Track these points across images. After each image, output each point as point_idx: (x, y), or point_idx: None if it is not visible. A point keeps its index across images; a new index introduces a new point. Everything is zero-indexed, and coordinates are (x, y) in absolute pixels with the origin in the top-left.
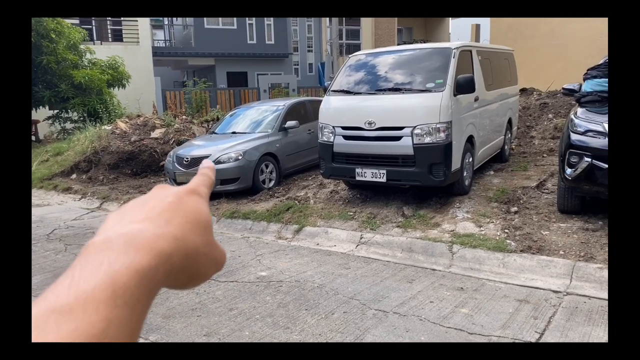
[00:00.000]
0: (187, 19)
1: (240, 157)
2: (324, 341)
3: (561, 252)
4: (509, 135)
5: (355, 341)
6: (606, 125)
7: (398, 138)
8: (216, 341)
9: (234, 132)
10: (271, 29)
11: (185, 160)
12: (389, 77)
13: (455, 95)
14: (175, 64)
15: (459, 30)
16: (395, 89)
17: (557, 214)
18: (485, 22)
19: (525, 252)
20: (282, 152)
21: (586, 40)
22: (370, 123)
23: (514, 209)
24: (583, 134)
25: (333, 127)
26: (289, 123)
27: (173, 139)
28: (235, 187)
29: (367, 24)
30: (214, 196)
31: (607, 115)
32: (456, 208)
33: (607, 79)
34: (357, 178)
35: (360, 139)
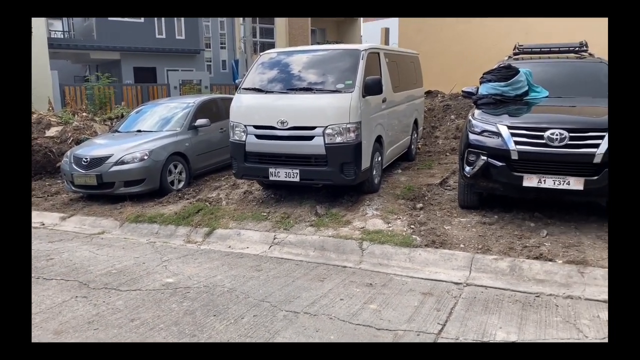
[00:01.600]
0: None
1: (146, 157)
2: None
3: (462, 246)
4: (416, 135)
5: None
6: (499, 126)
7: (310, 138)
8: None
9: (139, 131)
10: (181, 23)
11: (84, 161)
12: (300, 76)
13: (364, 96)
14: (76, 58)
15: (371, 33)
16: (307, 89)
17: (458, 209)
18: (394, 26)
19: (429, 247)
20: (192, 152)
21: (486, 45)
22: (282, 122)
23: (420, 205)
24: (479, 134)
25: (245, 125)
26: (200, 121)
27: (71, 138)
28: (141, 189)
29: (281, 23)
30: (118, 199)
31: (501, 116)
32: (366, 206)
33: (500, 83)
34: (271, 178)
35: (273, 138)
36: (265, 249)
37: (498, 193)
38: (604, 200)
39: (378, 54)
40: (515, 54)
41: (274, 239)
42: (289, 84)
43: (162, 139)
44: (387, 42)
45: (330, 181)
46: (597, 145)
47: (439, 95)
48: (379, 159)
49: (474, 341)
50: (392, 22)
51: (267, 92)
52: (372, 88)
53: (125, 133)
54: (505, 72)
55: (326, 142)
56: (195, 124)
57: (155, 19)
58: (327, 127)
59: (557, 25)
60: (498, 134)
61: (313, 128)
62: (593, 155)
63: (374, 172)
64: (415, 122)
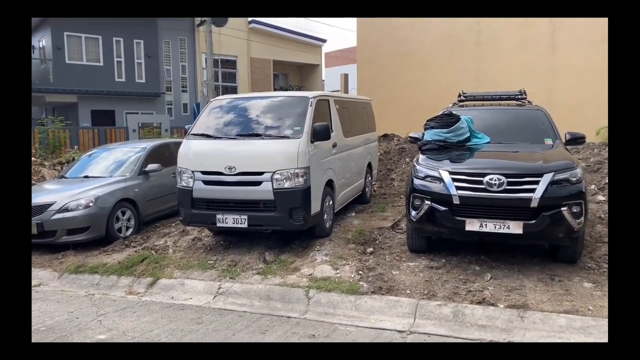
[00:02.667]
0: (45, 53)
1: (91, 204)
2: None
3: (408, 291)
4: (370, 178)
5: None
6: (441, 172)
7: (258, 183)
8: None
9: (86, 176)
10: (142, 67)
11: None
12: (250, 122)
13: (312, 141)
14: (32, 101)
15: (332, 78)
16: (256, 135)
17: (408, 253)
18: (352, 72)
19: (376, 293)
20: (142, 198)
21: (439, 91)
22: (230, 168)
23: (370, 249)
24: (423, 179)
25: (192, 171)
26: (151, 166)
27: None
28: (85, 237)
29: (243, 67)
30: (60, 248)
31: (443, 161)
32: (316, 251)
33: (443, 129)
34: (218, 224)
35: (221, 184)
36: (209, 300)
37: (444, 237)
38: (546, 242)
39: (328, 100)
40: (460, 100)
41: (219, 288)
42: (238, 129)
43: (110, 184)
44: (346, 87)
45: (279, 226)
46: (533, 190)
47: (394, 138)
48: (330, 202)
49: None
50: (351, 69)
51: (215, 137)
52: (320, 134)
53: (72, 179)
54: (447, 119)
55: (274, 187)
56: (146, 169)
57: (115, 63)
58: (275, 172)
59: (506, 72)
60: (440, 179)
61: (261, 173)
62: (530, 199)
63: (325, 216)
64: (369, 165)
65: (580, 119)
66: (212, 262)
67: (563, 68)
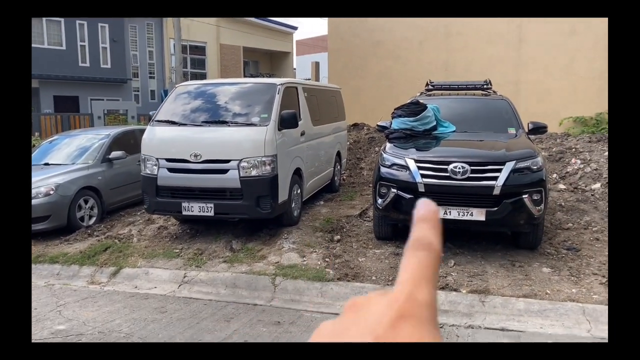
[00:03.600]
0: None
1: (51, 192)
2: None
3: (373, 278)
4: (339, 167)
5: None
6: (407, 160)
7: (225, 171)
8: None
9: (46, 164)
10: (107, 52)
11: None
12: (216, 109)
13: (280, 129)
14: None
15: (304, 66)
16: (223, 122)
17: (374, 240)
18: (324, 60)
19: (342, 280)
20: (105, 186)
21: (409, 81)
22: (196, 155)
23: (337, 237)
24: (390, 167)
25: (157, 159)
26: (115, 153)
27: None
28: (45, 226)
29: (212, 54)
30: None
31: (409, 150)
32: (284, 239)
33: (410, 118)
34: (184, 213)
35: (186, 171)
36: (174, 289)
37: (410, 224)
38: (507, 229)
39: (296, 88)
40: (427, 90)
41: (184, 277)
42: (204, 116)
43: (71, 172)
44: (317, 76)
45: (246, 215)
46: (495, 178)
47: (365, 127)
48: (298, 191)
49: None
50: (323, 57)
51: (181, 124)
52: (287, 121)
53: (32, 166)
54: (414, 108)
55: (241, 175)
56: (110, 156)
57: (79, 47)
58: (242, 160)
59: (474, 63)
60: (406, 168)
61: (228, 161)
62: (492, 187)
63: (293, 205)
64: (338, 154)
65: (544, 110)
66: (177, 250)
67: (529, 60)
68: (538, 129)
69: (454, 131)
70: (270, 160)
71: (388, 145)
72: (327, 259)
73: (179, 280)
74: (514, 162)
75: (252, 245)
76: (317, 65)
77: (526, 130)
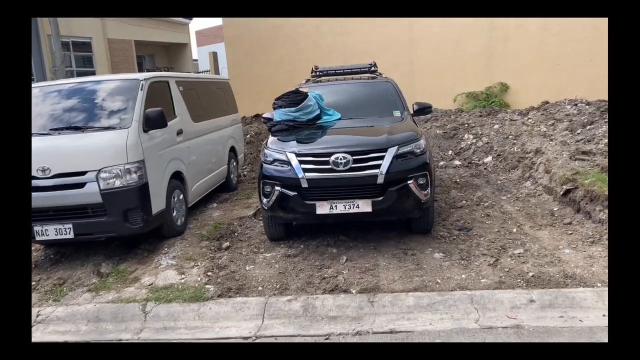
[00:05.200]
0: None
1: None
2: None
3: (260, 288)
4: (235, 164)
5: None
6: (288, 154)
7: (81, 185)
8: None
9: None
10: None
11: None
12: (67, 113)
13: (145, 131)
14: None
15: (205, 57)
16: (75, 128)
17: (267, 242)
18: (221, 50)
19: (223, 297)
20: None
21: (308, 67)
22: (44, 170)
23: (226, 244)
24: (271, 163)
25: None
26: None
27: None
28: None
29: (100, 50)
30: None
31: (289, 143)
32: (163, 254)
33: (291, 108)
34: (37, 238)
35: (34, 189)
36: None
37: (300, 222)
38: (396, 217)
39: (167, 82)
40: (313, 76)
41: (37, 316)
42: (52, 123)
43: None
44: (216, 67)
45: (112, 233)
46: (378, 166)
47: None
48: (181, 197)
49: None
50: (220, 47)
51: None
52: (153, 121)
53: None
54: (295, 97)
55: (102, 188)
56: None
57: None
58: (101, 170)
59: (370, 45)
60: (288, 163)
61: (84, 173)
62: (376, 176)
63: (175, 213)
64: (233, 149)
65: (439, 88)
66: (34, 283)
67: (421, 40)
68: (423, 110)
69: (339, 119)
70: (136, 168)
71: (270, 139)
72: (209, 273)
73: (32, 321)
74: (396, 147)
75: (125, 266)
76: (215, 55)
77: (411, 111)
